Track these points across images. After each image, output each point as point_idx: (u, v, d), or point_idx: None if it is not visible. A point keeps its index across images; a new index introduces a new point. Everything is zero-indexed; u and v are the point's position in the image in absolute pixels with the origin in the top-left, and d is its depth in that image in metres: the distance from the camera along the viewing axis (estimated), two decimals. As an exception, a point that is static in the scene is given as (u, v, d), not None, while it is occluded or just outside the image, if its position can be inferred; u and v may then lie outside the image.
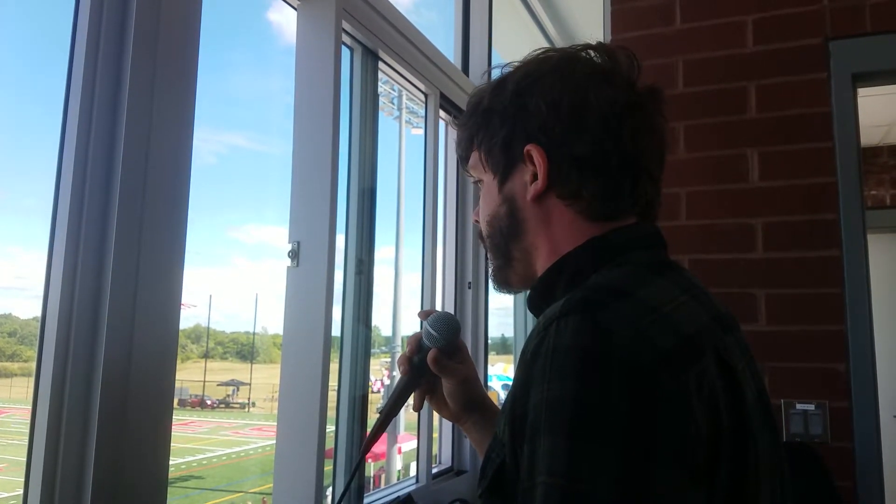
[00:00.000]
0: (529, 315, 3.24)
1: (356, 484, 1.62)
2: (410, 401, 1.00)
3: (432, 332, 0.93)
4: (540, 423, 0.60)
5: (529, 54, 0.84)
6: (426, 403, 1.02)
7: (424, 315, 0.97)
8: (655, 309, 0.65)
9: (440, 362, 0.94)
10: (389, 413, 0.96)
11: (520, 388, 0.64)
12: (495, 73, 0.86)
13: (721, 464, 0.61)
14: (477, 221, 0.89)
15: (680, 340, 0.63)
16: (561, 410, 0.59)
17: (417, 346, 0.96)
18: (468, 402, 0.99)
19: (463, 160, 0.90)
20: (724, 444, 0.61)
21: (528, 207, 0.80)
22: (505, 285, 0.88)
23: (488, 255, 0.88)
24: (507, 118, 0.81)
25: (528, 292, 0.83)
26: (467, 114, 0.87)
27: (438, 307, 2.13)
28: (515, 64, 0.84)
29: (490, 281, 0.91)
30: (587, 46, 0.82)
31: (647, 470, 0.56)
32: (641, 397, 0.58)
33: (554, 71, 0.79)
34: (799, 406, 1.89)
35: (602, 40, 2.30)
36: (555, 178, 0.77)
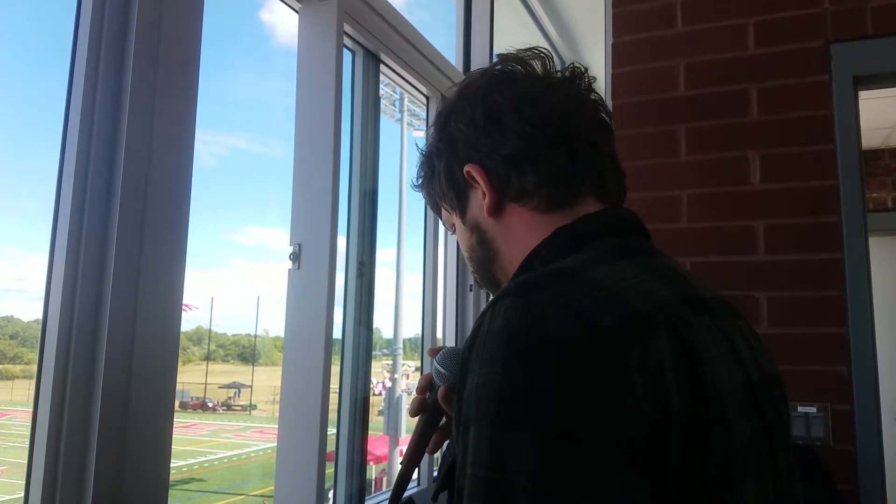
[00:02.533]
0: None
1: (357, 487, 1.62)
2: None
3: (441, 369, 0.89)
4: (470, 413, 0.58)
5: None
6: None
7: (433, 353, 0.93)
8: (602, 287, 0.62)
9: (450, 400, 0.89)
10: (412, 461, 0.91)
11: (459, 380, 0.62)
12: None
13: (671, 449, 0.56)
14: (471, 268, 0.89)
15: (624, 317, 0.59)
16: (487, 396, 0.57)
17: (429, 385, 0.91)
18: None
19: (439, 216, 0.93)
20: (675, 428, 0.56)
21: (491, 226, 0.81)
22: None
23: (490, 293, 0.89)
24: (441, 154, 0.84)
25: None
26: (416, 175, 0.90)
27: (440, 310, 2.13)
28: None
29: None
30: (496, 63, 0.85)
31: (572, 455, 0.53)
32: (569, 377, 0.55)
33: (460, 94, 0.83)
34: (801, 409, 1.89)
35: (604, 43, 2.30)
36: (499, 186, 0.79)
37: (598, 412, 0.54)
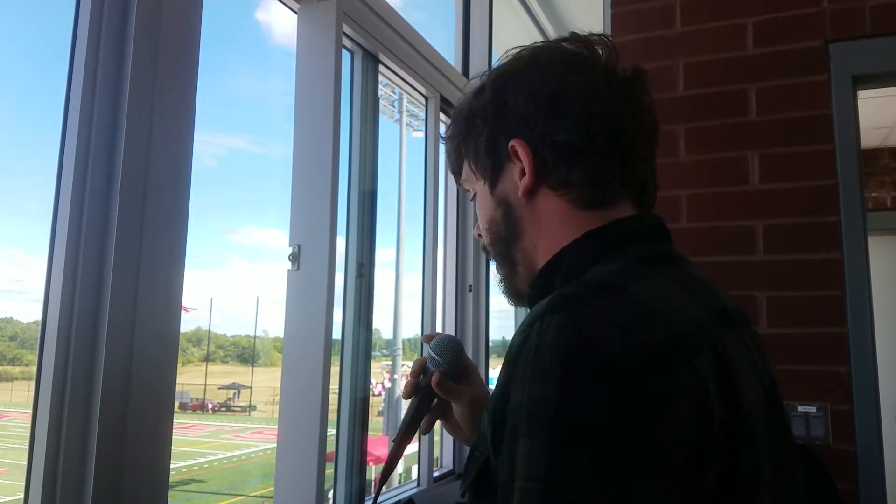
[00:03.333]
0: (530, 318, 3.24)
1: (357, 487, 1.62)
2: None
3: (435, 356, 0.93)
4: (519, 426, 0.58)
5: (504, 54, 0.83)
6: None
7: (428, 339, 0.97)
8: (645, 304, 0.63)
9: (444, 385, 0.93)
10: (403, 439, 0.95)
11: (502, 387, 0.62)
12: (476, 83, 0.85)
13: (710, 468, 0.58)
14: (479, 236, 0.87)
15: (670, 338, 0.60)
16: (540, 413, 0.57)
17: (422, 369, 0.95)
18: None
19: (456, 174, 0.89)
20: (715, 448, 0.58)
21: (521, 206, 0.79)
22: (517, 296, 0.85)
23: (496, 268, 0.86)
24: (487, 119, 0.80)
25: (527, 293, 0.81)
26: (451, 125, 0.86)
27: (439, 310, 2.13)
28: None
29: (505, 298, 0.89)
30: (562, 39, 0.81)
31: (627, 477, 0.54)
32: (623, 400, 0.56)
33: (530, 64, 0.79)
34: (801, 408, 1.89)
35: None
36: (542, 170, 0.76)
37: (648, 435, 0.55)
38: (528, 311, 0.75)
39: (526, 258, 0.81)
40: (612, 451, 0.54)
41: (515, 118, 0.77)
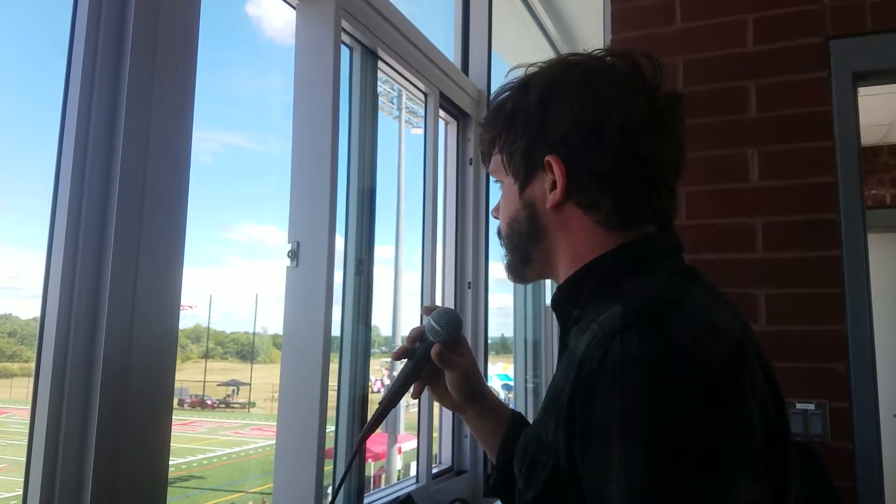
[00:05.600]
0: (529, 314, 3.24)
1: (356, 484, 1.62)
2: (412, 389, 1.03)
3: (436, 326, 0.97)
4: (613, 435, 0.61)
5: (554, 59, 0.85)
6: (427, 395, 1.06)
7: (428, 310, 1.00)
8: (707, 318, 0.67)
9: (443, 356, 0.97)
10: (391, 400, 0.99)
11: (579, 396, 0.65)
12: (519, 73, 0.87)
13: (773, 464, 0.64)
14: (496, 217, 0.91)
15: (732, 346, 0.66)
16: (636, 422, 0.60)
17: (419, 337, 0.99)
18: (470, 392, 1.02)
19: (485, 157, 0.92)
20: (775, 446, 0.65)
21: (547, 214, 0.82)
22: (520, 279, 0.91)
23: (505, 253, 0.90)
24: (529, 125, 0.82)
25: (552, 295, 0.86)
26: (491, 114, 0.88)
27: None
28: (540, 65, 0.85)
29: (505, 271, 0.93)
30: (611, 53, 0.83)
31: (728, 480, 0.59)
32: (713, 408, 0.60)
33: (578, 81, 0.80)
34: (799, 406, 1.89)
35: (602, 39, 2.30)
36: (573, 190, 0.79)
37: (738, 438, 0.61)
38: (553, 310, 0.83)
39: (545, 258, 0.85)
40: (711, 456, 0.59)
41: (556, 134, 0.79)
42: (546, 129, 0.80)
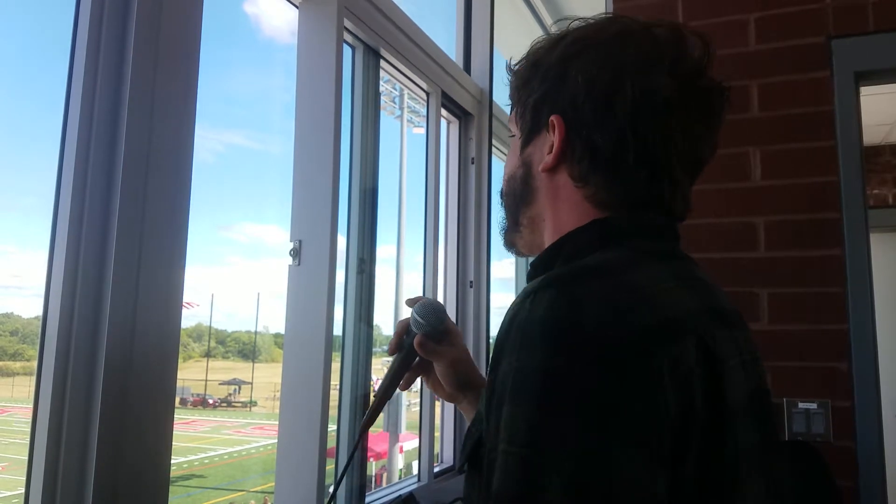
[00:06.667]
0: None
1: (357, 483, 1.62)
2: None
3: (418, 318, 0.99)
4: (506, 393, 0.59)
5: (600, 16, 0.80)
6: (430, 394, 1.04)
7: (411, 303, 1.02)
8: (639, 289, 0.64)
9: (426, 346, 0.98)
10: (384, 394, 1.01)
11: (493, 361, 0.64)
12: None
13: (689, 455, 0.59)
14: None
15: (659, 321, 0.61)
16: (526, 380, 0.58)
17: (405, 330, 1.01)
18: (461, 382, 1.02)
19: (511, 111, 0.86)
20: (695, 433, 0.59)
21: (541, 177, 0.78)
22: (511, 247, 0.87)
23: (502, 216, 0.88)
24: (545, 80, 0.77)
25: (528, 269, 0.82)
26: (520, 63, 0.83)
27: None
28: (588, 19, 0.80)
29: (500, 237, 0.90)
30: (659, 24, 0.76)
31: (608, 446, 0.55)
32: (609, 372, 0.57)
33: (604, 44, 0.75)
34: (801, 405, 1.89)
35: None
36: (567, 158, 0.75)
37: (632, 408, 0.56)
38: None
39: (531, 225, 0.82)
40: (597, 420, 0.56)
41: (567, 95, 0.74)
42: (560, 88, 0.75)
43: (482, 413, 0.66)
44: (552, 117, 0.75)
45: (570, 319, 0.59)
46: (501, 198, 0.87)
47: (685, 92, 0.72)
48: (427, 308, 0.99)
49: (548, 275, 0.65)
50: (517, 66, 0.83)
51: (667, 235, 0.76)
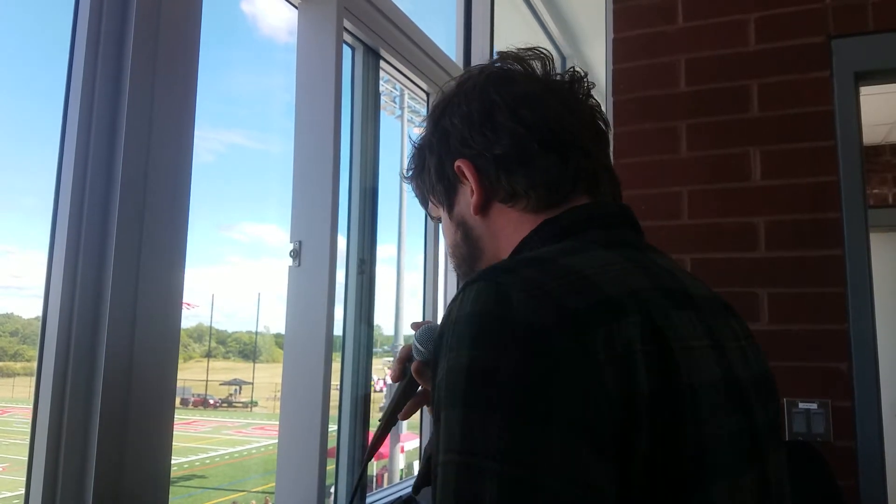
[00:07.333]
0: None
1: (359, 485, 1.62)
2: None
3: (419, 346, 0.93)
4: (441, 398, 0.57)
5: (439, 88, 0.88)
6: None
7: (415, 327, 0.97)
8: (573, 272, 0.61)
9: (425, 374, 0.94)
10: (386, 424, 0.96)
11: (433, 366, 0.62)
12: None
13: (639, 434, 0.55)
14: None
15: (592, 302, 0.58)
16: (456, 381, 0.56)
17: (408, 356, 0.96)
18: None
19: (424, 207, 0.92)
20: (643, 414, 0.55)
21: (478, 224, 0.81)
22: None
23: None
24: (433, 147, 0.83)
25: None
26: (408, 166, 0.90)
27: (441, 306, 2.13)
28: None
29: None
30: (493, 62, 0.84)
31: (538, 438, 0.52)
32: (535, 360, 0.54)
33: (458, 89, 0.82)
34: (801, 405, 1.89)
35: (604, 37, 2.30)
36: (488, 186, 0.78)
37: (563, 395, 0.53)
38: None
39: None
40: (520, 412, 0.53)
41: (455, 140, 0.80)
42: (447, 141, 0.81)
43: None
44: (456, 164, 0.80)
45: (495, 312, 0.57)
46: (457, 272, 0.88)
47: (544, 86, 0.79)
48: (427, 334, 0.93)
49: (480, 270, 0.63)
50: (406, 171, 0.90)
51: (620, 223, 0.75)
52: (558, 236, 0.73)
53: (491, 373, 0.55)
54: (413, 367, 0.93)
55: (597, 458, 0.53)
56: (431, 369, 0.62)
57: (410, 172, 0.90)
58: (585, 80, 0.82)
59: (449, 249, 0.87)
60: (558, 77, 0.81)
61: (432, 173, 0.84)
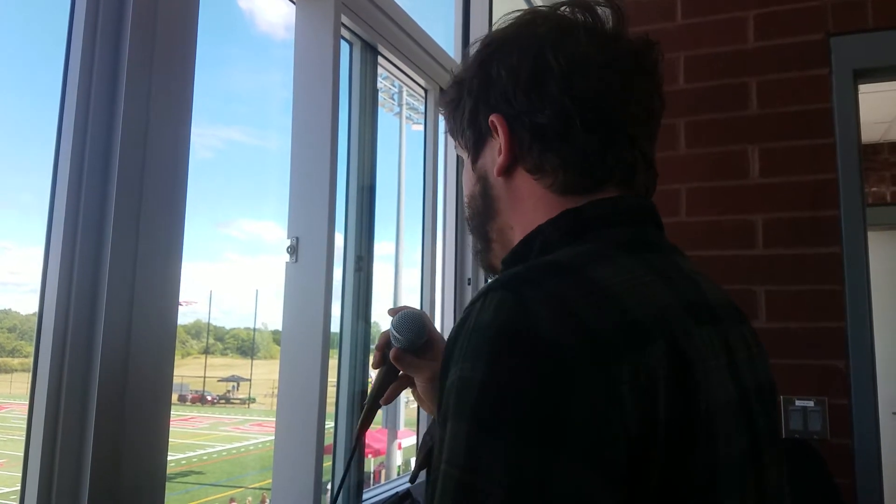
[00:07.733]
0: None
1: (355, 479, 1.62)
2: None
3: (395, 333, 0.93)
4: (450, 406, 0.55)
5: (501, 18, 0.78)
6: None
7: (392, 313, 0.97)
8: (600, 287, 0.58)
9: (403, 360, 0.93)
10: (369, 411, 0.97)
11: (442, 369, 0.59)
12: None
13: (651, 464, 0.53)
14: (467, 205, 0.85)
15: (619, 324, 0.55)
16: (467, 393, 0.54)
17: (387, 341, 0.96)
18: None
19: (455, 139, 0.85)
20: (659, 444, 0.53)
21: (498, 185, 0.75)
22: (490, 269, 0.82)
23: (473, 241, 0.83)
24: (472, 90, 0.76)
25: None
26: (446, 92, 0.83)
27: (438, 304, 2.13)
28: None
29: (478, 264, 0.87)
30: (561, 3, 0.74)
31: (547, 463, 0.50)
32: (554, 382, 0.52)
33: (515, 33, 0.74)
34: (798, 402, 1.89)
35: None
36: (518, 151, 0.72)
37: (579, 421, 0.51)
38: None
39: (501, 238, 0.78)
40: (532, 436, 0.51)
41: (497, 92, 0.73)
42: (487, 90, 0.74)
43: (437, 421, 0.62)
44: (490, 118, 0.73)
45: (517, 325, 0.54)
46: (468, 223, 0.83)
47: (608, 52, 0.71)
48: (403, 321, 0.93)
49: (503, 274, 0.61)
50: (442, 98, 0.83)
51: (644, 220, 0.71)
52: (577, 232, 0.68)
53: (505, 392, 0.53)
54: (392, 354, 0.93)
55: (608, 490, 0.51)
56: (441, 371, 0.60)
57: (444, 101, 0.82)
58: (655, 49, 0.73)
59: (466, 199, 0.82)
60: (627, 41, 0.72)
61: (465, 116, 0.77)
